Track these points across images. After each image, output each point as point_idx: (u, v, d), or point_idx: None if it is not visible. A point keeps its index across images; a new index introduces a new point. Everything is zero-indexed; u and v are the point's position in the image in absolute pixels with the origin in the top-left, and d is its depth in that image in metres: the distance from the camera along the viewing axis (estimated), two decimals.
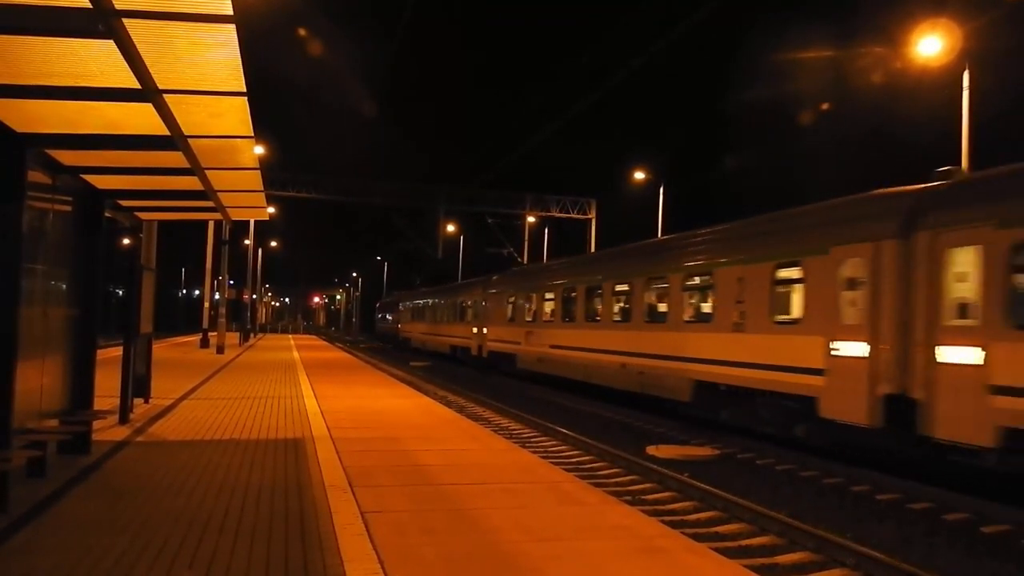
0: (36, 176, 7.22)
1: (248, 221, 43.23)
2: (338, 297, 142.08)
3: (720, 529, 9.20)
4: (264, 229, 61.04)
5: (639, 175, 37.37)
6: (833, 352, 12.38)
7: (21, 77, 5.78)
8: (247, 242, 50.82)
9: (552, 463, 10.07)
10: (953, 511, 10.03)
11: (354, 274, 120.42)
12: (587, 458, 13.58)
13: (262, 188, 10.57)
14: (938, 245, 10.82)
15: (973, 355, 10.08)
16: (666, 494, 10.95)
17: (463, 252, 61.67)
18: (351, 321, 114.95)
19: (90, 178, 8.79)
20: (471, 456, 9.40)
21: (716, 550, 6.31)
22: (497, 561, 5.35)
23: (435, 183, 54.66)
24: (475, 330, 35.12)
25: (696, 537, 7.38)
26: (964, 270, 10.53)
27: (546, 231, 50.42)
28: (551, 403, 21.81)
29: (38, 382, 7.56)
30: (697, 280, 16.64)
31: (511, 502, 7.01)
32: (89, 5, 4.64)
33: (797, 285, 13.57)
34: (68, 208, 8.47)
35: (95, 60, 5.48)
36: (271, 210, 22.80)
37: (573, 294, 23.53)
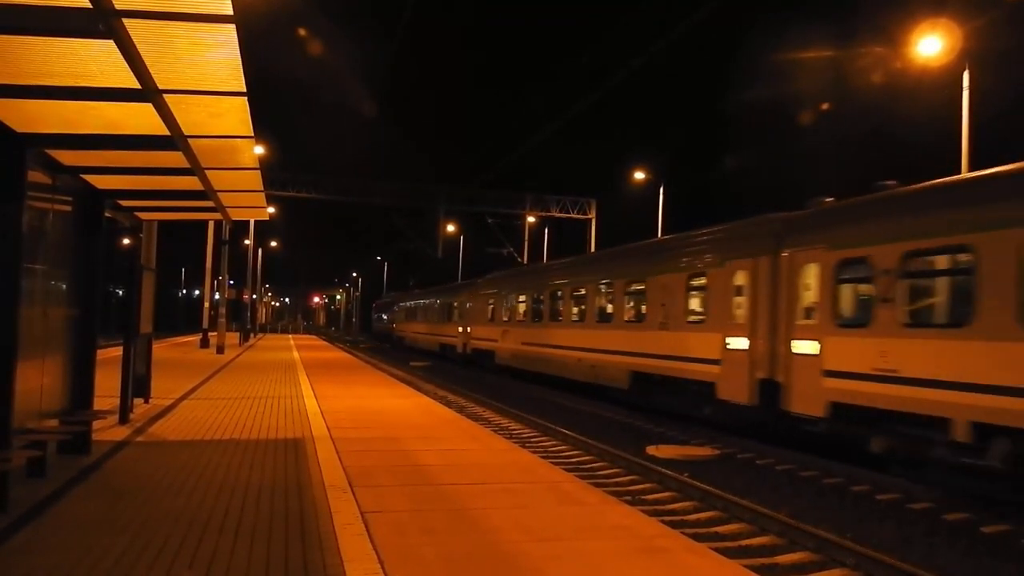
0: (36, 176, 7.22)
1: (248, 221, 43.22)
2: (338, 297, 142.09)
3: (720, 529, 9.20)
4: (264, 229, 61.08)
5: (639, 175, 37.38)
6: (727, 346, 15.11)
7: (21, 77, 5.78)
8: (247, 242, 50.83)
9: (552, 463, 10.07)
10: (953, 511, 10.03)
11: (354, 274, 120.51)
12: (587, 458, 13.59)
13: (262, 188, 10.57)
14: (794, 262, 13.53)
15: (813, 348, 12.75)
16: (666, 494, 10.95)
17: (463, 252, 61.72)
18: (351, 321, 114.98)
19: (90, 178, 8.79)
20: (471, 456, 9.40)
21: (716, 550, 6.31)
22: (497, 561, 5.35)
23: (435, 183, 54.71)
24: (460, 329, 38.14)
25: (696, 537, 7.38)
26: (809, 281, 13.19)
27: (546, 231, 50.49)
28: (551, 403, 21.81)
29: (38, 382, 7.56)
30: (634, 287, 19.59)
31: (511, 502, 7.01)
32: (89, 5, 4.64)
33: (703, 292, 16.42)
34: (68, 208, 8.47)
35: (95, 60, 5.48)
36: (271, 210, 22.82)
37: (540, 297, 26.70)
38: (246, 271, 50.70)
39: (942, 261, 10.97)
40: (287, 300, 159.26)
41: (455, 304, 39.98)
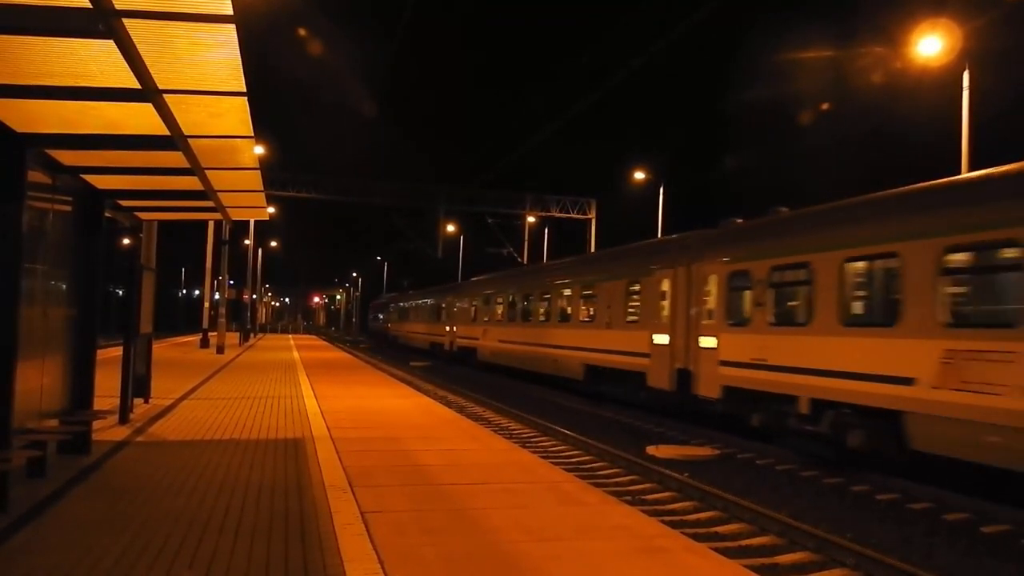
0: (36, 176, 7.22)
1: (248, 221, 43.21)
2: (338, 297, 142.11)
3: (720, 529, 9.20)
4: (264, 229, 61.09)
5: (639, 175, 37.38)
6: (654, 342, 17.99)
7: (21, 77, 5.78)
8: (247, 242, 50.82)
9: (552, 463, 10.07)
10: (953, 511, 10.04)
11: (354, 274, 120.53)
12: (587, 458, 13.58)
13: (262, 188, 10.57)
14: (701, 272, 16.34)
15: (712, 342, 15.47)
16: (666, 494, 10.95)
17: (463, 252, 61.72)
18: (351, 321, 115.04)
19: (90, 178, 8.79)
20: (471, 456, 9.40)
21: (716, 550, 6.31)
22: (497, 561, 5.35)
23: (435, 183, 54.68)
24: (447, 328, 40.84)
25: (696, 537, 7.38)
26: (710, 288, 15.98)
27: (546, 231, 50.49)
28: (551, 403, 21.82)
29: (38, 382, 7.56)
30: (587, 291, 22.56)
31: (511, 502, 7.01)
32: (89, 5, 4.64)
33: (637, 296, 19.35)
34: (68, 208, 8.46)
35: (95, 60, 5.48)
36: (271, 210, 22.83)
37: (514, 299, 29.74)
38: (246, 271, 50.72)
39: (793, 275, 13.58)
40: (287, 300, 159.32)
41: (443, 305, 42.47)
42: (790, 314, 13.68)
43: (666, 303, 17.62)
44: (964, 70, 17.95)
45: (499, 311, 31.75)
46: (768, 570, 7.73)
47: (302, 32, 40.25)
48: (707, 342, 15.66)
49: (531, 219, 49.13)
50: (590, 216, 47.22)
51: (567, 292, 24.12)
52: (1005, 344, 9.34)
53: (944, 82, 19.40)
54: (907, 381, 10.55)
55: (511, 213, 48.42)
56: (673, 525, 7.82)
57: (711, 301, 15.88)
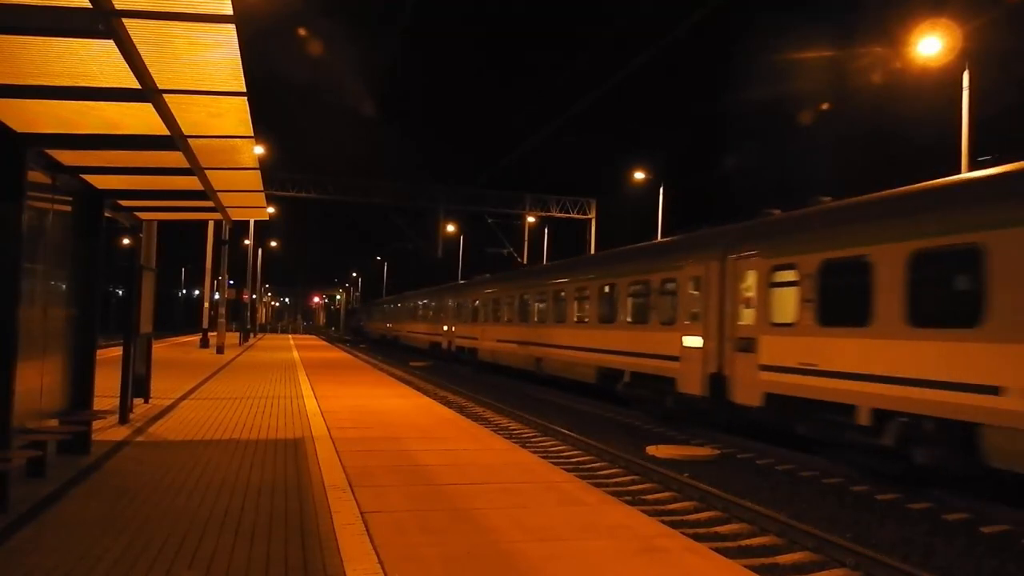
0: (36, 176, 7.22)
1: (248, 221, 43.21)
2: (338, 297, 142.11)
3: (720, 529, 9.20)
4: (264, 229, 61.05)
5: (639, 175, 37.39)
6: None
7: (21, 77, 5.77)
8: (247, 242, 50.82)
9: (552, 463, 10.07)
10: (953, 511, 10.04)
11: (354, 274, 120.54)
12: (587, 458, 13.58)
13: (262, 188, 10.56)
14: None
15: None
16: (666, 494, 10.95)
17: (463, 252, 61.74)
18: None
19: (90, 178, 8.78)
20: (471, 456, 9.40)
21: (716, 550, 6.30)
22: (497, 561, 5.35)
23: (435, 183, 54.65)
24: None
25: (696, 537, 7.38)
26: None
27: (546, 231, 50.50)
28: (551, 403, 21.81)
29: (38, 382, 7.56)
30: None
31: (511, 502, 7.01)
32: (89, 5, 4.64)
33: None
34: (68, 208, 8.46)
35: (95, 60, 5.48)
36: (271, 210, 22.84)
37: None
38: (246, 271, 50.72)
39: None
40: (287, 300, 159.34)
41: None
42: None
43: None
44: (964, 70, 17.95)
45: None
46: (768, 570, 7.73)
47: (302, 32, 40.30)
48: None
49: (531, 219, 49.14)
50: (590, 216, 47.23)
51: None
52: None
53: (944, 82, 19.41)
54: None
55: (511, 213, 48.44)
56: (673, 525, 7.82)
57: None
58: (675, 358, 16.73)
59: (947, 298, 10.76)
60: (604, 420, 18.48)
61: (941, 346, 10.26)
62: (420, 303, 50.02)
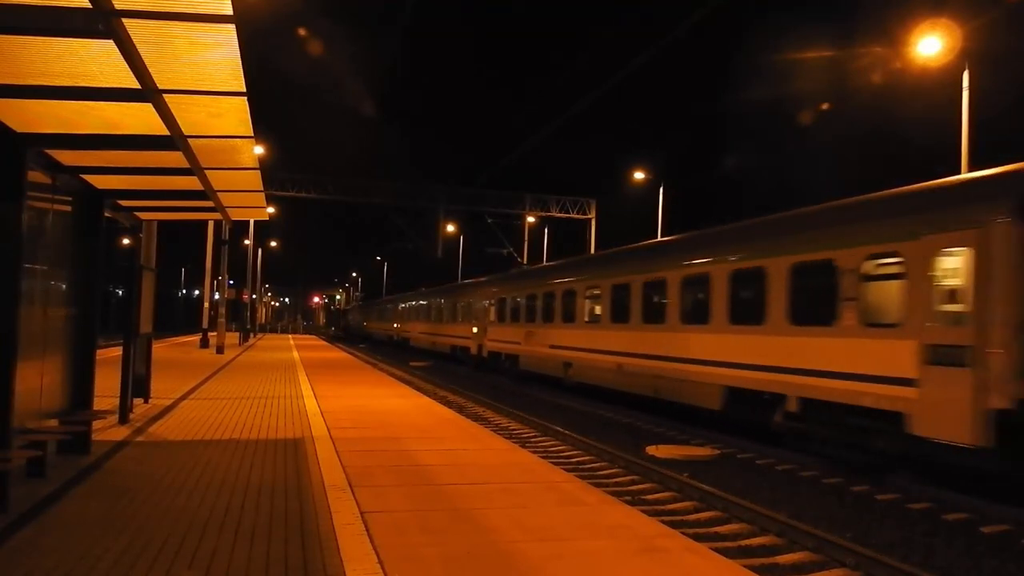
0: (36, 176, 7.22)
1: (248, 221, 43.22)
2: (338, 297, 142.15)
3: (720, 529, 9.20)
4: (264, 229, 61.12)
5: (639, 175, 37.41)
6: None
7: (21, 77, 5.77)
8: (247, 242, 50.83)
9: (552, 463, 10.06)
10: (953, 511, 10.04)
11: (354, 274, 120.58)
12: (587, 458, 13.58)
13: (262, 188, 10.56)
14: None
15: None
16: (666, 494, 10.95)
17: (463, 252, 61.75)
18: None
19: (90, 178, 8.78)
20: (471, 456, 9.40)
21: (716, 550, 6.30)
22: (497, 561, 5.35)
23: (435, 183, 54.69)
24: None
25: (696, 537, 7.37)
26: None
27: (546, 231, 50.51)
28: (551, 403, 21.80)
29: (38, 382, 7.56)
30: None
31: (511, 502, 7.01)
32: (89, 5, 4.64)
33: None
34: (68, 208, 8.46)
35: (95, 60, 5.48)
36: (271, 210, 22.85)
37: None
38: (246, 271, 50.71)
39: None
40: (287, 300, 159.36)
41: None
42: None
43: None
44: (964, 70, 17.95)
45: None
46: (768, 570, 7.73)
47: (302, 32, 40.33)
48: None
49: (531, 219, 49.15)
50: (590, 216, 47.24)
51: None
52: None
53: (944, 82, 19.42)
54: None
55: (511, 213, 48.44)
56: (673, 525, 7.82)
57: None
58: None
59: None
60: (604, 420, 18.47)
61: None
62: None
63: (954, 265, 10.67)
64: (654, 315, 18.28)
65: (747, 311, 14.66)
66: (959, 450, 10.16)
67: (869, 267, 12.09)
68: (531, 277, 28.94)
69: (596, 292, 21.65)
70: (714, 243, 16.69)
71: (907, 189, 12.38)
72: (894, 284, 11.55)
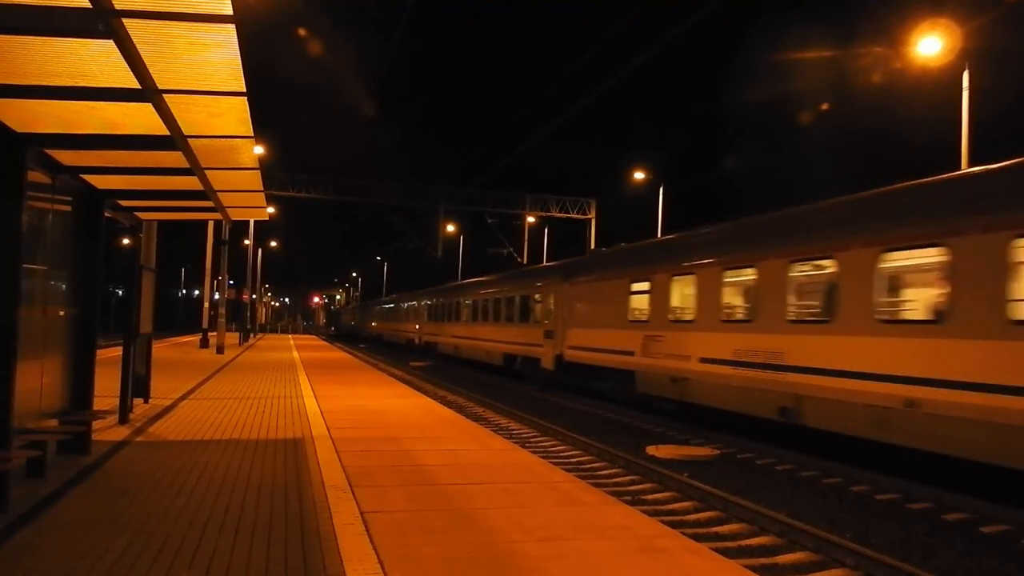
0: (36, 176, 7.22)
1: (248, 221, 43.21)
2: (338, 297, 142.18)
3: (720, 529, 9.20)
4: (264, 229, 61.11)
5: (639, 175, 37.41)
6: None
7: (21, 77, 5.77)
8: (247, 242, 50.82)
9: (552, 463, 10.06)
10: (953, 511, 10.03)
11: (354, 274, 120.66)
12: (587, 458, 13.58)
13: (262, 188, 10.56)
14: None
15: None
16: (666, 494, 10.95)
17: (463, 252, 61.75)
18: None
19: (90, 178, 8.78)
20: (471, 456, 9.40)
21: (716, 550, 6.30)
22: (497, 561, 5.35)
23: (435, 183, 54.69)
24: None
25: (696, 537, 7.38)
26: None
27: (546, 231, 50.51)
28: (551, 403, 21.80)
29: (38, 382, 7.56)
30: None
31: (511, 502, 7.01)
32: (89, 5, 4.64)
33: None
34: (68, 208, 8.46)
35: (95, 60, 5.47)
36: (271, 210, 22.84)
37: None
38: (246, 271, 50.71)
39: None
40: (287, 300, 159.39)
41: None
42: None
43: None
44: (964, 70, 17.95)
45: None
46: (768, 570, 7.73)
47: (302, 32, 40.37)
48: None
49: (531, 219, 49.17)
50: (590, 216, 47.25)
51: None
52: None
53: (944, 82, 19.42)
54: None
55: (511, 213, 48.46)
56: (673, 525, 7.82)
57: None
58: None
59: None
60: (604, 420, 18.47)
61: None
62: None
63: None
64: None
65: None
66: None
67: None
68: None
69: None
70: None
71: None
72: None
